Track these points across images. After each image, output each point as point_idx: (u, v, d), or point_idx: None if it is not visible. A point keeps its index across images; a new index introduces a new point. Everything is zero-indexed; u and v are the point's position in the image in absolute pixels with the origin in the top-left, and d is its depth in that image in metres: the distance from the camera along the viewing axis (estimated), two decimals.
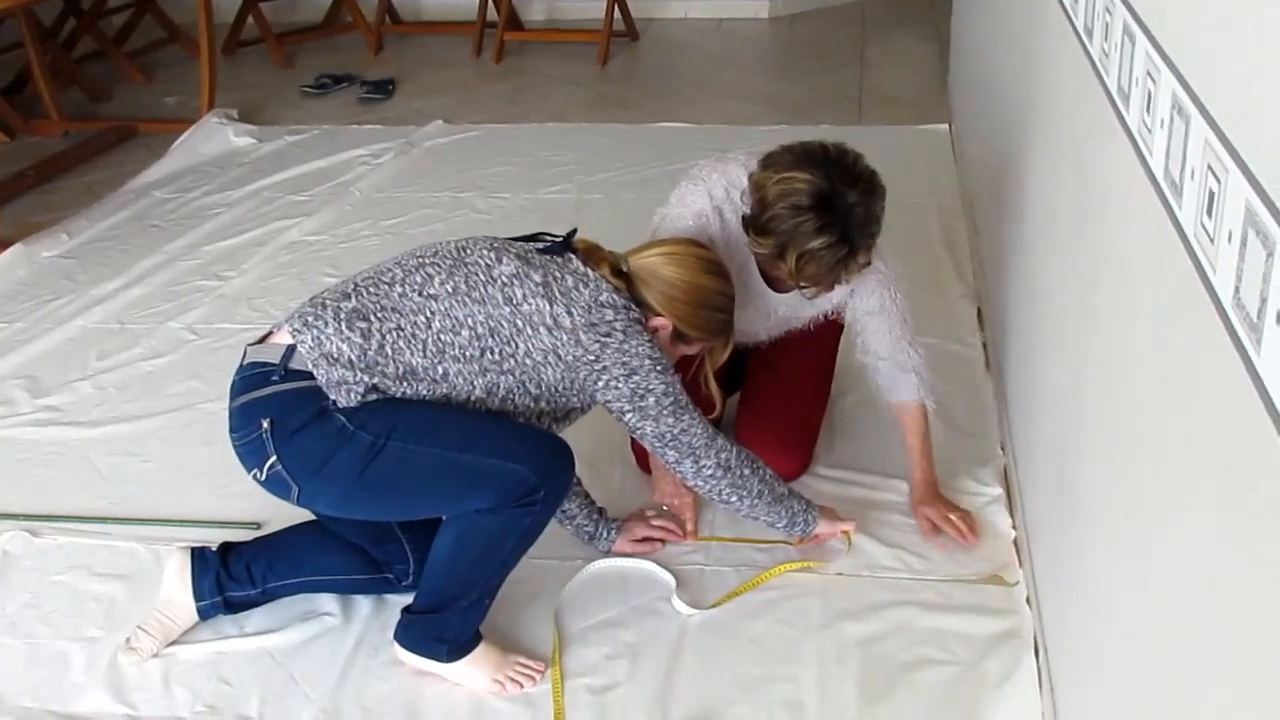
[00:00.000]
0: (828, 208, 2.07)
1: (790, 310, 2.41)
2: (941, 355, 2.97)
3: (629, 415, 2.03)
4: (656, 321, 2.08)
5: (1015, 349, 2.58)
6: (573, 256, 2.03)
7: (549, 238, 2.11)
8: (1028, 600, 2.20)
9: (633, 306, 2.02)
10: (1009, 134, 2.84)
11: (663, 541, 2.38)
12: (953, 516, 2.36)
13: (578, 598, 2.27)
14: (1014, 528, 2.39)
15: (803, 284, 2.16)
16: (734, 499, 2.14)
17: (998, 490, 2.48)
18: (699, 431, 2.06)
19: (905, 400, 2.41)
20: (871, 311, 2.35)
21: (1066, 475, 1.90)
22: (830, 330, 2.55)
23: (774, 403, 2.56)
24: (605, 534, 2.34)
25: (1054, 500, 2.02)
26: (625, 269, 2.07)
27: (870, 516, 2.43)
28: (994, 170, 3.08)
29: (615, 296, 1.99)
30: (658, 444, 2.07)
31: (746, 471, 2.13)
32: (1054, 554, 2.01)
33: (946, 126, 4.45)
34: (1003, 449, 2.62)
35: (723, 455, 2.09)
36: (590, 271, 2.00)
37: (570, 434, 2.12)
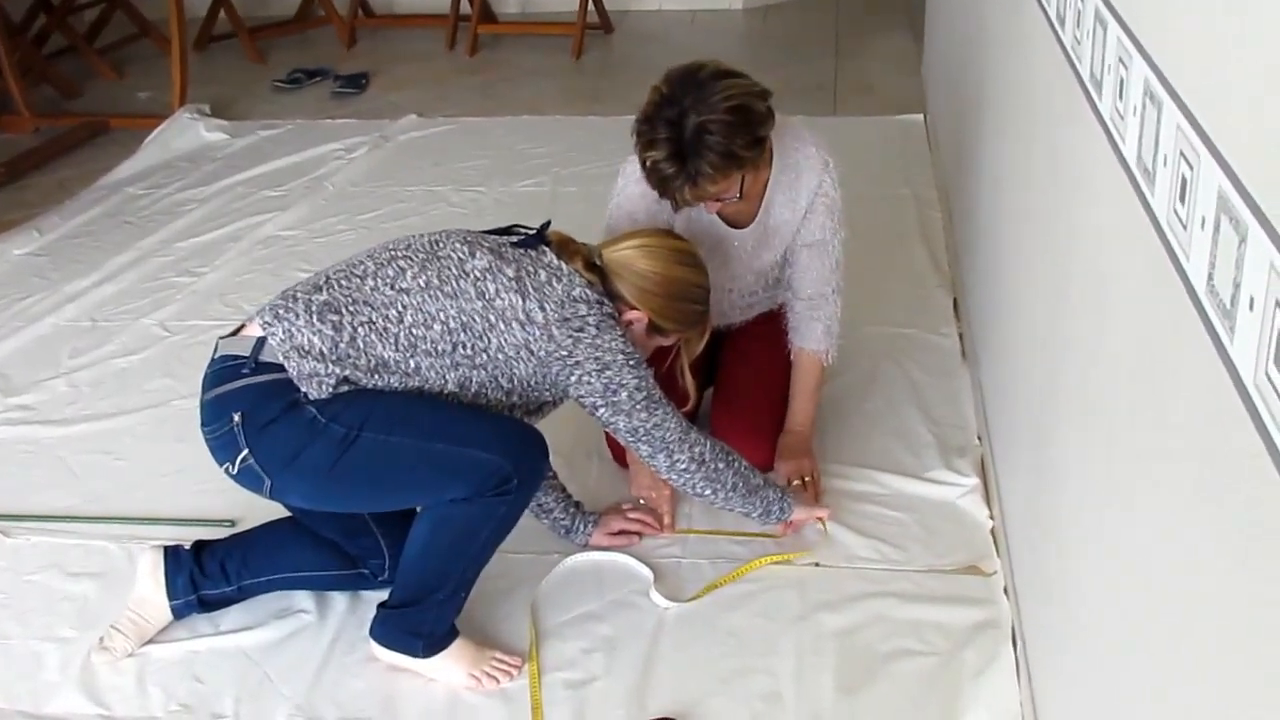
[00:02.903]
0: (662, 119, 2.10)
1: (754, 253, 2.43)
2: (918, 345, 3.00)
3: (602, 410, 2.02)
4: (631, 315, 2.07)
5: (991, 338, 2.58)
6: (546, 250, 2.02)
7: (523, 230, 2.10)
8: (1005, 591, 2.20)
9: (606, 301, 2.01)
10: (983, 123, 2.84)
11: (640, 535, 2.37)
12: (808, 478, 2.42)
13: (554, 592, 2.26)
14: (991, 518, 2.39)
15: (689, 200, 2.17)
16: (708, 492, 2.14)
17: (975, 480, 2.49)
18: (672, 426, 2.06)
19: (808, 348, 2.48)
20: (809, 244, 2.41)
21: (1043, 464, 1.89)
22: None
23: (747, 393, 2.56)
24: (582, 528, 2.34)
25: (1031, 490, 2.01)
26: (599, 262, 2.06)
27: (847, 507, 2.44)
28: (968, 160, 3.09)
29: (588, 291, 1.98)
30: (631, 438, 2.06)
31: (720, 465, 2.13)
32: (1031, 544, 2.01)
33: (921, 117, 4.45)
34: (980, 439, 2.62)
35: (696, 449, 2.09)
36: (564, 266, 2.00)
37: (545, 427, 2.11)
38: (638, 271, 2.08)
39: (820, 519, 2.34)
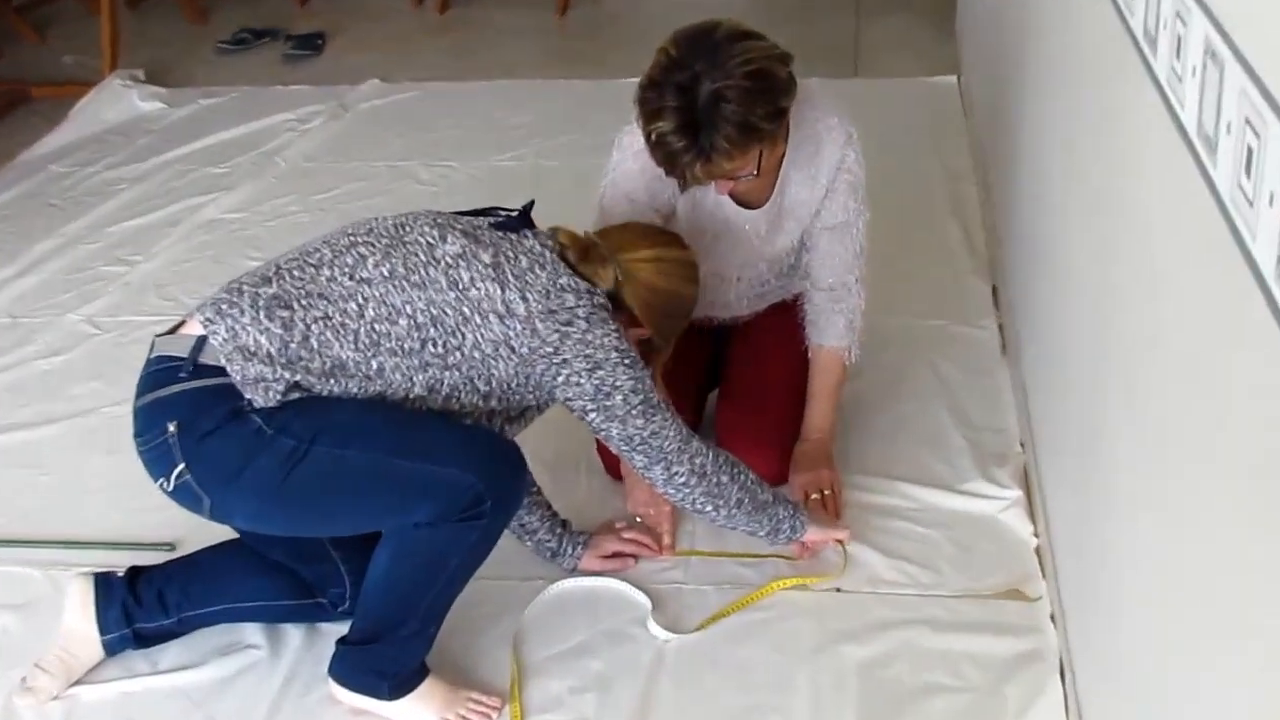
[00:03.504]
0: (671, 85, 2.09)
1: (767, 237, 2.44)
2: (951, 339, 3.00)
3: (592, 415, 2.02)
4: (634, 333, 2.11)
5: (1035, 330, 2.58)
6: (529, 234, 2.03)
7: (502, 213, 2.10)
8: (1052, 617, 2.20)
9: (597, 292, 2.01)
10: (1024, 86, 2.84)
11: (635, 557, 2.38)
12: (827, 492, 2.43)
13: (539, 622, 2.26)
14: (1036, 535, 2.39)
15: (700, 178, 2.16)
16: (709, 508, 2.15)
17: (1016, 492, 2.49)
18: (671, 434, 2.06)
19: (828, 345, 2.48)
20: (831, 227, 2.41)
21: (1095, 474, 1.90)
22: None
23: (757, 395, 2.57)
24: (570, 549, 2.34)
25: (1082, 503, 2.02)
26: (618, 273, 2.08)
27: (870, 524, 2.43)
28: (1007, 127, 3.08)
29: (576, 280, 1.99)
30: (624, 447, 2.07)
31: (724, 478, 2.13)
32: (1082, 564, 2.01)
33: (954, 79, 4.45)
34: (1022, 445, 2.63)
35: (697, 460, 2.10)
36: (548, 252, 2.00)
37: (529, 436, 2.12)
38: (652, 288, 2.11)
39: (839, 540, 2.34)
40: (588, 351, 1.97)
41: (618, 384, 2.00)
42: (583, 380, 1.98)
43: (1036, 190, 2.59)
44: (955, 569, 2.33)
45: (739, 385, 2.61)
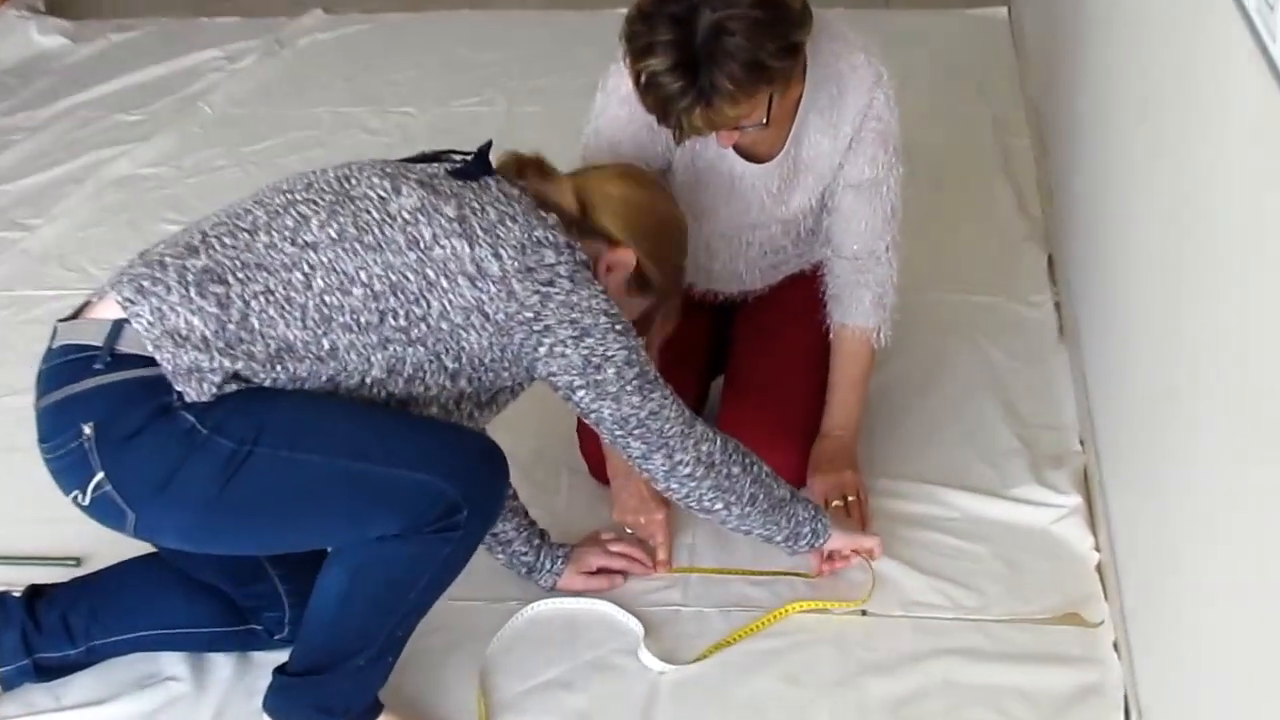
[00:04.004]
0: (664, 16, 2.09)
1: (781, 196, 2.44)
2: (1000, 319, 3.01)
3: (581, 394, 2.02)
4: (617, 256, 2.09)
5: (1098, 308, 2.59)
6: (491, 182, 2.02)
7: (456, 157, 2.09)
8: (1115, 646, 2.20)
9: (576, 246, 2.01)
10: (1087, 20, 2.83)
11: (624, 574, 2.39)
12: (850, 499, 2.43)
13: (512, 651, 2.27)
14: (1097, 549, 2.39)
15: (699, 127, 2.15)
16: (718, 506, 2.14)
17: (1075, 499, 2.49)
18: (673, 415, 2.06)
19: (853, 325, 2.49)
20: (856, 184, 2.41)
21: (1169, 477, 1.90)
22: None
23: (768, 384, 2.57)
24: (548, 565, 2.34)
25: (1153, 512, 2.02)
26: (572, 193, 2.08)
27: (902, 536, 2.44)
28: (1068, 68, 3.08)
29: (554, 234, 1.99)
30: (619, 431, 2.06)
31: (735, 469, 2.13)
32: (1151, 583, 2.02)
33: (1004, 10, 4.44)
34: (1083, 444, 2.63)
35: (704, 447, 2.10)
36: (516, 202, 2.00)
37: (504, 434, 2.12)
38: (623, 199, 2.10)
39: (868, 551, 2.34)
40: (573, 315, 1.97)
41: (609, 354, 2.00)
42: (569, 350, 1.98)
43: (1101, 143, 2.59)
44: (1001, 589, 2.33)
45: (748, 372, 2.61)
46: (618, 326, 2.00)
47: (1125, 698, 2.12)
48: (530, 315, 1.96)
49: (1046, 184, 3.40)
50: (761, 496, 2.16)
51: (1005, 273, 3.15)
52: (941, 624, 2.28)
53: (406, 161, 2.08)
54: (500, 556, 2.32)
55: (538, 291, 1.95)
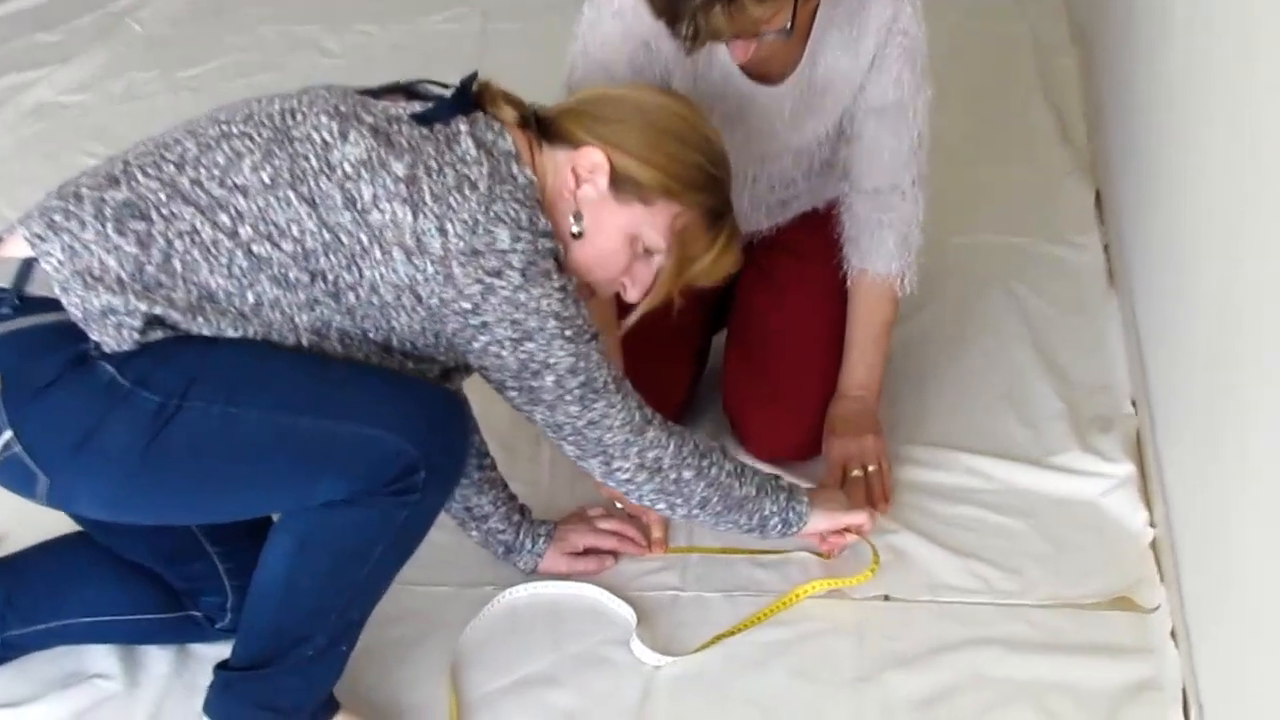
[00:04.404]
0: None
1: (794, 122, 2.43)
2: (1040, 263, 3.01)
3: (512, 394, 2.03)
4: (585, 159, 2.03)
5: (1154, 250, 2.58)
6: (464, 133, 1.99)
7: (434, 90, 2.07)
8: (1173, 634, 2.20)
9: (539, 217, 1.96)
10: None
11: (615, 555, 2.40)
12: (871, 468, 2.44)
13: (487, 643, 2.27)
14: (1152, 525, 2.40)
15: (716, 33, 2.13)
16: (660, 506, 2.16)
17: (1126, 468, 2.50)
18: (617, 423, 2.06)
19: (874, 270, 2.49)
20: (879, 108, 2.41)
21: (1231, 443, 1.89)
22: None
23: (777, 340, 2.57)
24: (529, 545, 2.35)
25: (1216, 482, 2.01)
26: (533, 116, 2.06)
27: (930, 510, 2.45)
28: None
29: (518, 208, 1.95)
30: (552, 435, 2.08)
31: (686, 473, 2.13)
32: (1213, 563, 2.01)
33: None
34: (1134, 406, 2.64)
35: (650, 454, 2.10)
36: (487, 161, 1.97)
37: (476, 393, 2.12)
38: (600, 97, 2.08)
39: (856, 528, 2.34)
40: (516, 316, 1.94)
41: (551, 361, 1.98)
42: (505, 353, 1.97)
43: (1157, 62, 2.58)
44: (1043, 570, 2.33)
45: (754, 326, 2.61)
46: (567, 332, 1.98)
47: (1184, 693, 2.11)
48: (468, 307, 1.94)
49: (1093, 110, 3.40)
50: (715, 499, 2.17)
51: (1046, 211, 3.16)
52: (975, 610, 2.28)
53: (369, 93, 2.05)
54: (474, 535, 2.32)
55: (480, 281, 1.92)
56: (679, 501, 2.15)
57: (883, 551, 2.36)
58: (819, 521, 2.29)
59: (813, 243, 2.58)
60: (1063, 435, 2.57)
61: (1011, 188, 3.21)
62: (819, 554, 2.35)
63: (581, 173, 2.03)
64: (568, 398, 2.02)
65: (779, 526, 2.25)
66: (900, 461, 2.53)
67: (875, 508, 2.41)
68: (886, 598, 2.30)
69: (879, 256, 2.48)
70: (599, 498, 2.46)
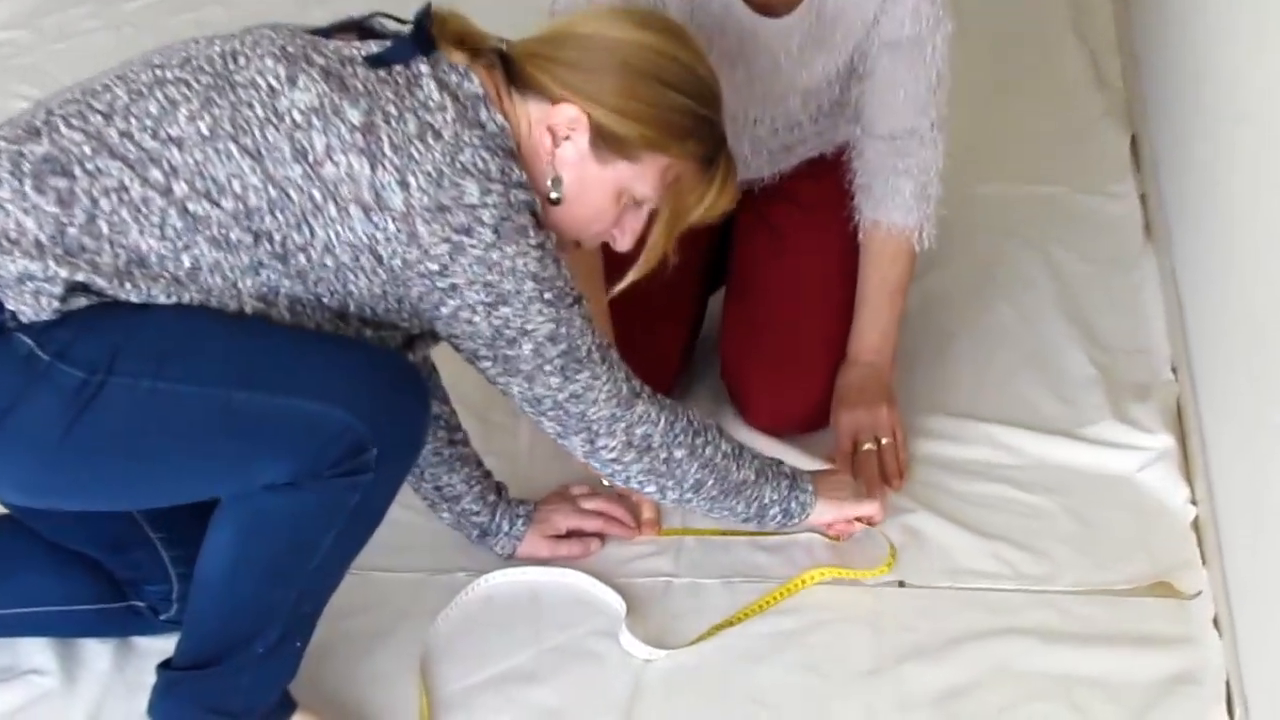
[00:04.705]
0: None
1: (801, 58, 2.42)
2: (1070, 214, 3.01)
3: (486, 364, 2.01)
4: (559, 116, 2.00)
5: (1196, 201, 2.58)
6: (425, 75, 1.97)
7: (388, 25, 2.05)
8: (1215, 622, 2.20)
9: (513, 167, 1.95)
10: None
11: (602, 538, 2.40)
12: (885, 440, 2.45)
13: (461, 635, 2.26)
14: (1193, 501, 2.40)
15: None
16: (650, 489, 2.15)
17: (1166, 440, 2.50)
18: (602, 396, 2.05)
19: (889, 222, 2.49)
20: (894, 43, 2.40)
21: (1278, 413, 1.88)
22: None
23: (776, 302, 2.57)
24: (507, 527, 2.35)
25: (1261, 455, 2.01)
26: (502, 55, 2.02)
27: (949, 487, 2.45)
28: None
29: (492, 160, 1.93)
30: (529, 409, 2.07)
31: (679, 453, 2.12)
32: (1261, 543, 2.01)
33: None
34: (1175, 372, 2.64)
35: (639, 430, 2.09)
36: (452, 106, 1.95)
37: (445, 358, 2.12)
38: (567, 36, 2.03)
39: (866, 519, 2.34)
40: (489, 278, 1.93)
41: (529, 328, 1.97)
42: (477, 319, 1.95)
43: None
44: (1074, 553, 2.33)
45: (754, 283, 2.61)
46: (547, 294, 1.96)
47: (1227, 687, 2.11)
48: (434, 269, 1.92)
49: (1129, 46, 3.41)
50: (710, 482, 2.16)
51: (1078, 158, 3.16)
52: (1000, 597, 2.27)
53: (321, 33, 2.02)
54: (446, 516, 2.32)
55: (448, 240, 1.90)
56: (670, 484, 2.15)
57: (898, 533, 2.36)
58: (824, 512, 2.29)
59: (820, 192, 2.58)
60: (1096, 405, 2.57)
61: (1040, 133, 3.20)
62: (827, 536, 2.35)
63: (559, 132, 2.00)
64: (547, 368, 2.01)
65: (779, 517, 2.25)
66: (916, 434, 2.53)
67: (888, 485, 2.42)
68: (902, 584, 2.30)
69: (894, 207, 2.47)
70: (583, 474, 2.42)
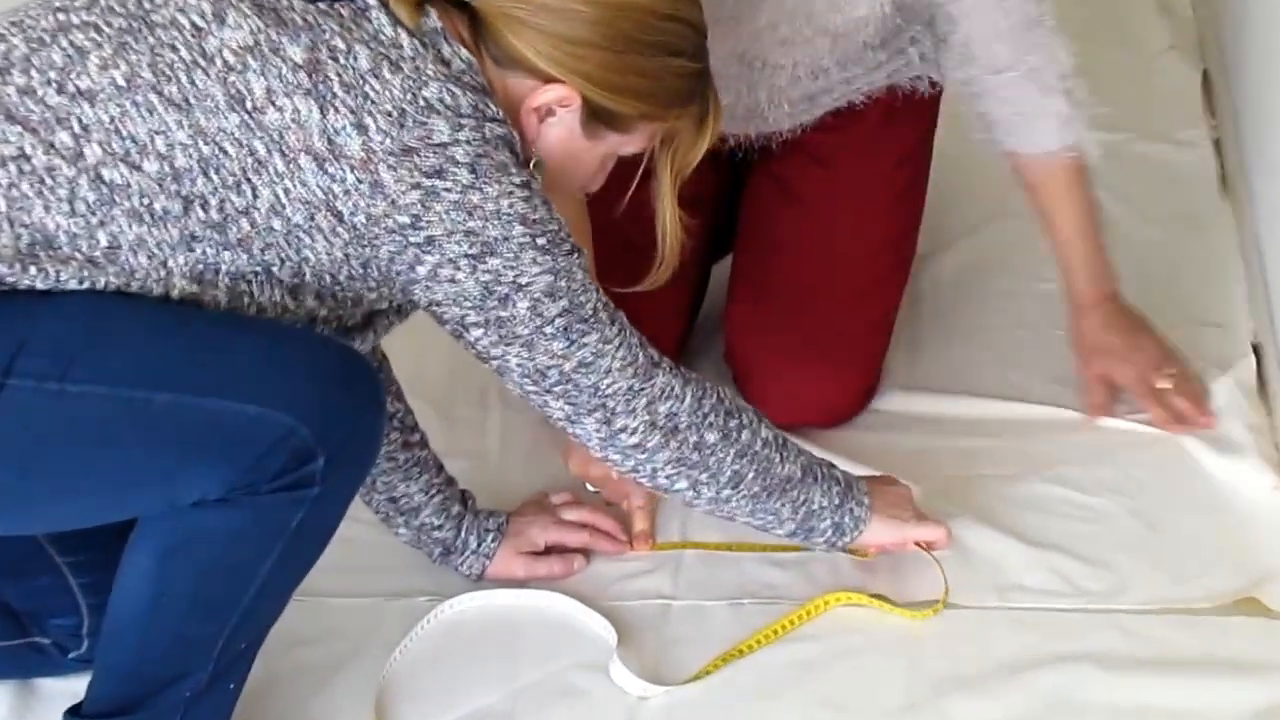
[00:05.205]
0: None
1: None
2: (1134, 164, 3.01)
3: (478, 333, 1.99)
4: (544, 97, 2.01)
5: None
6: (373, 7, 1.95)
7: None
8: None
9: (488, 103, 1.95)
10: None
11: (587, 554, 2.40)
12: (1162, 383, 2.47)
13: (424, 669, 2.26)
14: None
15: None
16: (680, 485, 2.12)
17: (1250, 424, 2.50)
18: (616, 364, 2.03)
19: (1037, 151, 2.48)
20: None
21: None
22: (916, 118, 2.58)
23: (793, 275, 2.56)
24: (475, 543, 2.34)
25: None
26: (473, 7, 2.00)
27: (992, 488, 2.45)
28: None
29: (455, 90, 1.92)
30: (532, 387, 2.04)
31: (711, 435, 2.10)
32: None
33: None
34: (1257, 351, 2.65)
35: (663, 407, 2.06)
36: (406, 35, 1.94)
37: (397, 349, 2.13)
38: (546, 3, 2.00)
39: (927, 543, 2.32)
40: (471, 224, 1.91)
41: (523, 281, 1.95)
42: (462, 275, 1.93)
43: None
44: (1143, 563, 2.33)
45: (769, 250, 2.61)
46: (540, 240, 1.95)
47: None
48: (406, 221, 1.91)
49: None
50: (752, 475, 2.13)
51: (1142, 99, 3.18)
52: (1057, 618, 2.27)
53: None
54: (403, 533, 2.33)
55: (419, 186, 1.89)
56: (704, 477, 2.12)
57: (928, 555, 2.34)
58: (881, 531, 2.26)
59: (845, 144, 2.58)
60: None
61: (1095, 71, 3.14)
62: (853, 552, 2.34)
63: (544, 111, 2.01)
64: (549, 330, 1.98)
65: (828, 532, 2.22)
66: (953, 422, 2.55)
67: (1200, 424, 2.46)
68: (939, 605, 2.29)
69: (1044, 135, 2.48)
70: (565, 479, 2.47)
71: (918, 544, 2.31)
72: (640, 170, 2.15)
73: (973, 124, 2.50)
